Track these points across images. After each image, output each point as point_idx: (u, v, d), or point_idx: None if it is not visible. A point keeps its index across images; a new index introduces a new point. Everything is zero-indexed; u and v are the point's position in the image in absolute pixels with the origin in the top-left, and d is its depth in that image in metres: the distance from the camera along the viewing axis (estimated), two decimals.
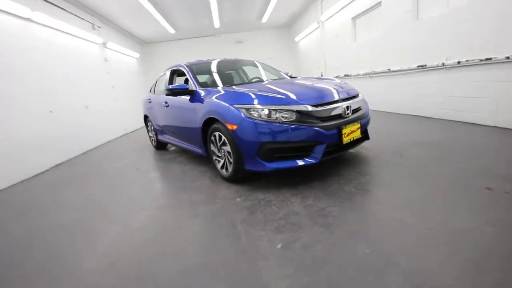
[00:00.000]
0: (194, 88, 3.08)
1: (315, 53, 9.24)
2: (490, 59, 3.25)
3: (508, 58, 3.07)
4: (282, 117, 2.19)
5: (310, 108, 2.23)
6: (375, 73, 5.74)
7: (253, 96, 2.39)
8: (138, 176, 3.35)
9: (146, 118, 4.99)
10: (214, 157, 2.78)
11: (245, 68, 4.14)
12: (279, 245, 1.50)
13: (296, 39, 11.00)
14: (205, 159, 3.47)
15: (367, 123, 2.72)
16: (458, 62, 3.63)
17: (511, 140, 2.88)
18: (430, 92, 4.25)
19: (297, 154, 2.23)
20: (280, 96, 2.33)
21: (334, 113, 2.34)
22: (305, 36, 10.03)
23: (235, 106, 2.35)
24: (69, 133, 5.10)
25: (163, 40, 11.42)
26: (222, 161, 2.66)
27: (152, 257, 1.55)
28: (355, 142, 2.54)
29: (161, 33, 10.15)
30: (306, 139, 2.19)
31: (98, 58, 7.02)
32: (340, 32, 7.19)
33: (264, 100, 2.32)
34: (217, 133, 2.58)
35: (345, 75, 7.12)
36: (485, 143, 2.85)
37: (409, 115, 4.86)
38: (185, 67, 3.53)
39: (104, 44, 7.29)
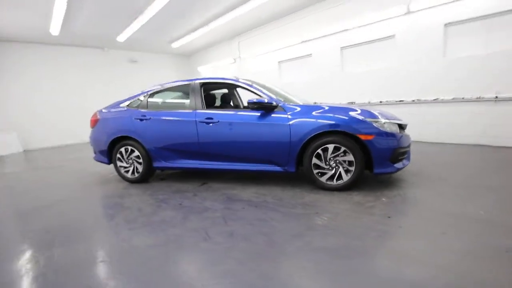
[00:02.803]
0: (276, 103, 2.95)
1: None
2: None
3: None
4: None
5: (400, 122, 2.98)
6: None
7: (375, 112, 2.79)
8: None
9: (116, 142, 3.63)
10: (317, 171, 2.82)
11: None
12: None
13: (200, 69, 11.30)
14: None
15: None
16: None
17: None
18: None
19: (402, 157, 2.89)
20: (381, 114, 2.91)
21: None
22: (215, 68, 10.59)
23: (368, 120, 2.69)
24: None
25: (31, 40, 8.05)
26: (332, 172, 2.78)
27: None
28: None
29: (30, 30, 7.21)
30: (408, 145, 2.91)
31: None
32: (265, 70, 8.40)
33: (384, 116, 2.78)
34: (330, 146, 2.72)
35: None
36: None
37: None
38: (244, 81, 3.27)
39: None
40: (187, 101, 3.42)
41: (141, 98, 3.66)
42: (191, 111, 3.27)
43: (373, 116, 2.75)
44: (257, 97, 3.01)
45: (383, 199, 2.56)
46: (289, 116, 2.87)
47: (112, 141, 3.61)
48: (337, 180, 2.79)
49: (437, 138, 5.13)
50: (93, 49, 9.49)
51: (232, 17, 7.08)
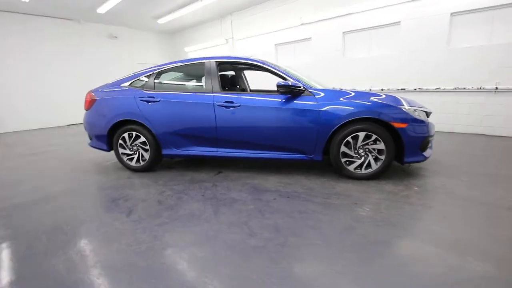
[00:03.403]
0: (304, 88, 2.76)
1: None
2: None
3: None
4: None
5: (427, 110, 2.95)
6: None
7: (400, 98, 2.69)
8: None
9: (118, 126, 3.24)
10: (345, 159, 2.73)
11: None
12: None
13: (187, 49, 10.61)
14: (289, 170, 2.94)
15: None
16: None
17: None
18: None
19: (429, 146, 2.87)
20: (406, 100, 2.84)
21: None
22: (203, 49, 9.99)
23: (400, 107, 2.60)
24: None
25: None
26: (361, 160, 2.71)
27: None
28: None
29: None
30: (434, 134, 2.90)
31: None
32: (261, 53, 8.04)
33: (412, 103, 2.70)
34: (361, 133, 2.63)
35: None
36: None
37: None
38: (268, 62, 3.03)
39: None
40: (201, 82, 3.12)
41: (145, 77, 3.27)
42: (208, 93, 2.98)
43: (402, 103, 2.68)
44: (282, 80, 2.80)
45: (415, 188, 2.54)
46: (318, 102, 2.72)
47: (113, 126, 3.23)
48: (365, 169, 2.74)
49: (437, 128, 5.27)
50: (67, 21, 8.45)
51: None
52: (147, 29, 10.28)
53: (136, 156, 3.27)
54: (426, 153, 2.73)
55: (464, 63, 4.77)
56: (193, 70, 3.34)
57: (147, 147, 3.19)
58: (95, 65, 9.21)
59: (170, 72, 3.31)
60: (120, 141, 3.25)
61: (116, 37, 9.53)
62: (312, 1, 6.56)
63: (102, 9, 7.37)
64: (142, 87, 3.22)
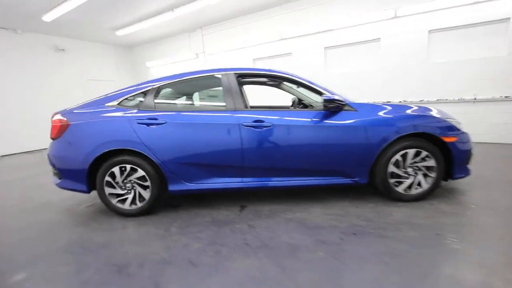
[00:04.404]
0: (344, 101, 2.41)
1: None
2: None
3: None
4: None
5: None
6: None
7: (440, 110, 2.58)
8: None
9: (103, 158, 2.41)
10: (393, 180, 2.43)
11: None
12: None
13: (149, 64, 9.67)
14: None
15: None
16: None
17: None
18: None
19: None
20: (441, 112, 2.69)
21: None
22: (170, 64, 9.19)
23: (447, 120, 2.42)
24: None
25: None
26: (410, 180, 2.44)
27: None
28: None
29: None
30: None
31: None
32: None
33: (449, 115, 2.59)
34: (411, 150, 2.38)
35: None
36: None
37: None
38: (296, 75, 2.67)
39: None
40: (218, 99, 2.56)
41: (140, 94, 2.57)
42: (229, 111, 2.43)
43: (447, 115, 2.54)
44: (328, 94, 2.44)
45: (472, 206, 2.35)
46: (362, 118, 2.40)
47: (96, 158, 2.41)
48: (415, 189, 2.48)
49: None
50: (2, 31, 6.90)
51: (198, 7, 6.17)
52: (101, 41, 9.10)
53: (130, 196, 2.48)
54: (469, 167, 2.61)
55: (444, 76, 5.11)
56: (205, 84, 2.77)
57: (147, 183, 2.44)
58: (39, 80, 7.67)
59: (176, 87, 2.67)
60: (108, 178, 2.43)
61: (63, 50, 8.15)
62: (291, 16, 6.52)
63: (48, 17, 6.17)
64: (138, 106, 2.51)
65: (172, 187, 2.47)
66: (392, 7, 5.28)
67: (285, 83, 3.08)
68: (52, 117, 2.58)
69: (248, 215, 2.41)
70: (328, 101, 2.32)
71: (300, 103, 3.46)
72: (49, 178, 4.07)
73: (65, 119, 2.50)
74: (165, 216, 2.52)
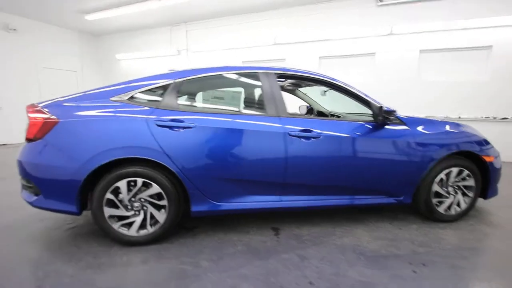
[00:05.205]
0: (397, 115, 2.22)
1: None
2: None
3: None
4: None
5: None
6: None
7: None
8: None
9: (108, 168, 1.82)
10: (436, 200, 2.30)
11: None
12: None
13: (120, 56, 8.63)
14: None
15: None
16: None
17: None
18: None
19: None
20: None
21: None
22: (145, 58, 8.29)
23: (484, 138, 2.37)
24: None
25: None
26: (451, 200, 2.33)
27: None
28: None
29: None
30: None
31: None
32: None
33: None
34: (454, 169, 2.29)
35: None
36: None
37: None
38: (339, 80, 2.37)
39: None
40: (255, 101, 2.17)
41: (158, 89, 2.04)
42: (273, 118, 2.05)
43: (479, 133, 2.51)
44: (385, 106, 2.21)
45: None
46: (413, 133, 2.24)
47: (96, 169, 1.81)
48: (453, 209, 2.38)
49: None
50: None
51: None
52: (64, 25, 7.83)
53: (138, 219, 1.92)
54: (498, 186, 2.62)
55: (432, 94, 5.38)
56: (235, 82, 2.33)
57: (163, 202, 1.91)
58: None
59: (202, 83, 2.20)
60: (109, 195, 1.85)
61: (14, 29, 6.78)
62: (287, 22, 6.34)
63: None
64: (157, 104, 1.97)
65: (196, 207, 1.97)
66: (388, 24, 5.43)
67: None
68: (29, 110, 1.90)
69: (289, 241, 2.04)
70: (389, 112, 2.09)
71: (317, 112, 3.28)
72: (8, 186, 3.17)
73: (51, 114, 1.85)
74: (183, 244, 2.00)
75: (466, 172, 2.32)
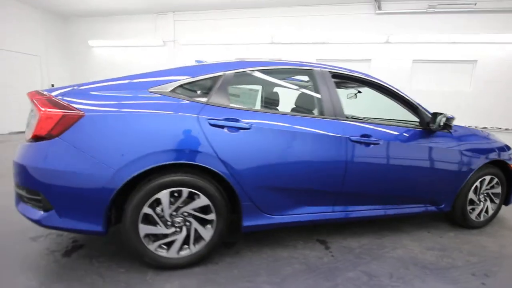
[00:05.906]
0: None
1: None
2: None
3: None
4: None
5: None
6: None
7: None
8: None
9: (144, 176, 1.47)
10: (470, 207, 2.32)
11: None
12: None
13: (93, 43, 7.69)
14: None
15: None
16: None
17: None
18: None
19: None
20: None
21: None
22: (124, 47, 7.50)
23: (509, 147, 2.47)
24: None
25: None
26: (481, 207, 2.38)
27: None
28: None
29: None
30: None
31: None
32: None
33: None
34: (487, 177, 2.33)
35: None
36: None
37: None
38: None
39: None
40: (312, 102, 1.97)
41: (205, 82, 1.72)
42: (333, 121, 1.86)
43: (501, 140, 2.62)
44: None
45: None
46: (458, 141, 2.23)
47: (133, 177, 1.44)
48: (482, 215, 2.45)
49: None
50: None
51: None
52: (25, 1, 6.73)
53: (180, 238, 1.58)
54: None
55: (421, 102, 5.66)
56: (288, 79, 2.09)
57: (211, 217, 1.61)
58: None
59: (251, 79, 1.92)
60: (147, 210, 1.49)
61: None
62: (285, 21, 6.22)
63: None
64: (207, 100, 1.65)
65: (249, 221, 1.70)
66: (385, 32, 5.60)
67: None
68: (38, 100, 1.45)
69: (345, 256, 1.87)
70: (449, 119, 2.04)
71: None
72: None
73: (70, 105, 1.43)
74: (231, 264, 1.71)
75: (496, 179, 2.39)
